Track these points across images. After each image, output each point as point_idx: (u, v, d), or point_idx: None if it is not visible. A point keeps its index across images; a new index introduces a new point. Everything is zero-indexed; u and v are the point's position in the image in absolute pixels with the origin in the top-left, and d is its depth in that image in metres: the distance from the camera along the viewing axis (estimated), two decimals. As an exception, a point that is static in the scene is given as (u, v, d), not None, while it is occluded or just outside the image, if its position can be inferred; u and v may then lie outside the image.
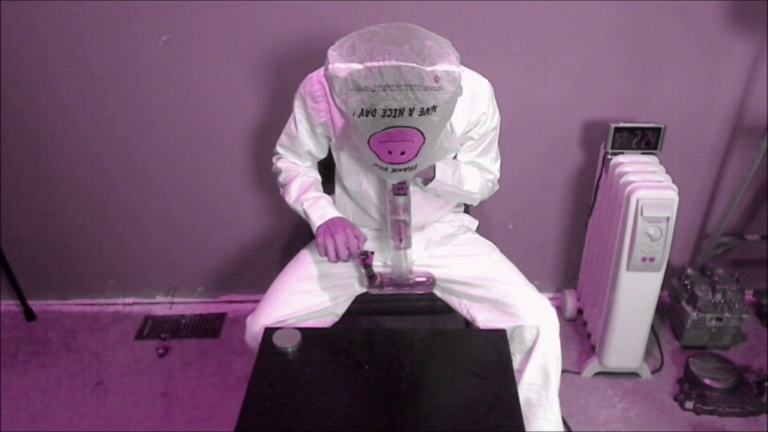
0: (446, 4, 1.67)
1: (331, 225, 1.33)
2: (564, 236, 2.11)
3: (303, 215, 1.39)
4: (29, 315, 2.21)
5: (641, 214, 1.58)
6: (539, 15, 1.68)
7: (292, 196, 1.41)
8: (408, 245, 1.34)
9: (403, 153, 1.11)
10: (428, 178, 1.32)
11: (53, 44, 1.74)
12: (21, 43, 1.74)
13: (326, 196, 1.42)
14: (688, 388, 1.81)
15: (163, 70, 1.79)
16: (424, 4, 1.67)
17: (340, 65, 1.01)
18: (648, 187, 1.60)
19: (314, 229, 1.35)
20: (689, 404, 1.78)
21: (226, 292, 2.27)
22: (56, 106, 1.86)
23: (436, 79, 1.00)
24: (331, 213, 1.36)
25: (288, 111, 1.42)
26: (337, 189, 1.49)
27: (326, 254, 1.29)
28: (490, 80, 1.34)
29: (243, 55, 1.76)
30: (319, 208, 1.37)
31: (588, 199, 1.97)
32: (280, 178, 1.47)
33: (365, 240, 1.33)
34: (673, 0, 1.66)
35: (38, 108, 1.86)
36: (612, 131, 1.71)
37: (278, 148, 1.48)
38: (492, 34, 1.72)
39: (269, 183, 1.99)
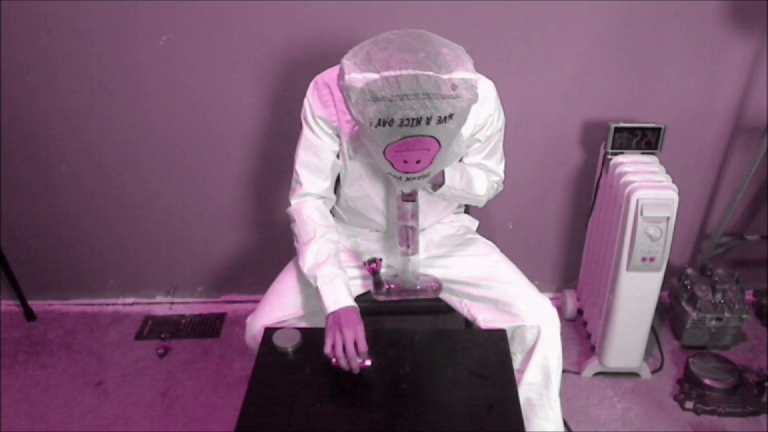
0: (446, 4, 1.67)
1: (342, 316, 1.20)
2: (564, 236, 2.11)
3: (314, 290, 1.28)
4: (29, 315, 2.21)
5: (641, 214, 1.58)
6: (539, 15, 1.68)
7: (306, 263, 1.30)
8: (415, 251, 1.33)
9: (418, 161, 1.10)
10: (437, 183, 1.31)
11: (53, 44, 1.74)
12: (21, 43, 1.74)
13: (342, 275, 1.28)
14: (688, 388, 1.81)
15: (163, 71, 1.79)
16: (424, 4, 1.67)
17: (356, 75, 0.99)
18: (648, 187, 1.60)
19: (324, 313, 1.24)
20: (689, 404, 1.78)
21: (226, 292, 2.27)
22: (56, 106, 1.86)
23: (454, 87, 0.99)
24: (344, 300, 1.24)
25: (289, 111, 1.41)
26: (339, 192, 1.48)
27: (333, 353, 1.16)
28: (492, 81, 1.33)
29: (243, 54, 1.76)
30: (333, 291, 1.24)
31: (588, 199, 1.97)
32: (295, 230, 1.36)
33: (366, 352, 1.18)
34: (673, 0, 1.66)
35: (38, 108, 1.86)
36: (612, 131, 1.71)
37: (300, 172, 1.36)
38: (492, 35, 1.72)
39: (269, 183, 1.99)
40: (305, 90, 1.33)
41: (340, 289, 1.25)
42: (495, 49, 1.74)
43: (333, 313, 1.22)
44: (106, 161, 1.96)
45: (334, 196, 1.45)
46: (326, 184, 1.39)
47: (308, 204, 1.37)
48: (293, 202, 1.39)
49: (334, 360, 1.17)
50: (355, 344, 1.16)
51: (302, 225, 1.35)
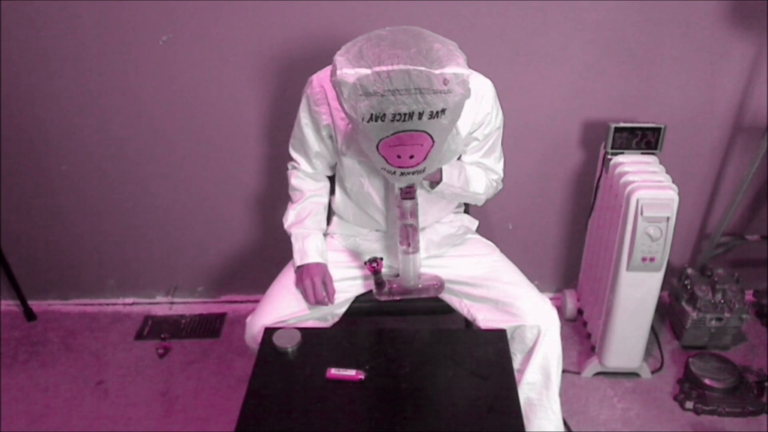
0: (446, 4, 1.67)
1: (306, 270, 1.39)
2: (564, 236, 2.11)
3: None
4: (29, 315, 2.21)
5: (641, 214, 1.58)
6: (539, 15, 1.68)
7: (287, 221, 1.47)
8: (416, 250, 1.33)
9: (412, 156, 1.10)
10: (435, 180, 1.32)
11: (53, 44, 1.74)
12: (21, 43, 1.74)
13: (315, 234, 1.44)
14: (688, 388, 1.81)
15: (163, 71, 1.79)
16: (424, 4, 1.67)
17: (348, 71, 1.00)
18: (648, 187, 1.60)
19: (294, 268, 1.43)
20: (689, 404, 1.78)
21: (226, 292, 2.27)
22: (56, 106, 1.85)
23: (445, 82, 1.00)
24: (312, 257, 1.40)
25: (288, 111, 1.42)
26: (338, 190, 1.49)
27: (305, 297, 1.38)
28: (491, 80, 1.34)
29: (243, 55, 1.76)
30: (302, 248, 1.42)
31: (588, 199, 1.97)
32: (290, 192, 1.51)
33: (334, 292, 1.39)
34: (673, 0, 1.66)
35: (38, 108, 1.86)
36: (612, 131, 1.71)
37: (291, 151, 1.48)
38: (492, 34, 1.72)
39: (269, 183, 1.99)
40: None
41: (309, 246, 1.40)
42: (495, 48, 1.74)
43: (299, 267, 1.40)
44: (105, 161, 1.96)
45: (327, 176, 1.52)
46: (311, 170, 1.48)
47: (300, 168, 1.48)
48: (289, 165, 1.51)
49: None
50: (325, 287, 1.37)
51: (292, 190, 1.49)
